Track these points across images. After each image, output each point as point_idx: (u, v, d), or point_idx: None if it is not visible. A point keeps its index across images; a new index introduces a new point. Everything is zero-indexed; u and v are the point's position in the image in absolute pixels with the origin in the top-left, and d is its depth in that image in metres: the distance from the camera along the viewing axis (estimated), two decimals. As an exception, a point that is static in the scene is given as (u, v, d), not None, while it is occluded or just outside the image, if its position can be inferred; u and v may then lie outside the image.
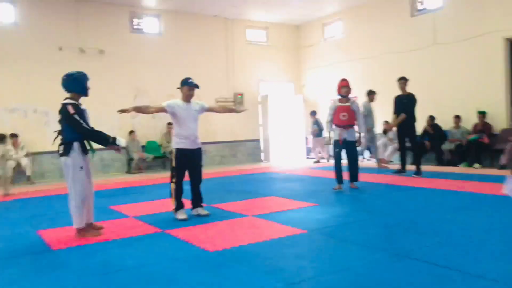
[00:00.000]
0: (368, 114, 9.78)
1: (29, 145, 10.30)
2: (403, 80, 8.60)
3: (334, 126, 6.95)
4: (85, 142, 4.49)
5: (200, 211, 5.39)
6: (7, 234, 4.88)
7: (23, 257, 3.91)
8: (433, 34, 10.65)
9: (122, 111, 4.98)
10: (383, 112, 11.03)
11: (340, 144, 6.86)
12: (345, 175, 7.00)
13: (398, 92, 8.71)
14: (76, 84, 4.44)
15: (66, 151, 4.34)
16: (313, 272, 3.21)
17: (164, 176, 10.05)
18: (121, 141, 4.44)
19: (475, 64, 9.85)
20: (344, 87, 6.93)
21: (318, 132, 12.48)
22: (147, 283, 3.12)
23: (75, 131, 4.33)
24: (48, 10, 10.76)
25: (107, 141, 4.40)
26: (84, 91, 4.50)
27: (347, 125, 6.85)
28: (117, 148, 4.48)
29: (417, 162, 8.41)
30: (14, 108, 10.35)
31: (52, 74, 10.40)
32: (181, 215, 5.20)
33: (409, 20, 11.23)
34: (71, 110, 4.28)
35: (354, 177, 6.97)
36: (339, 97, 6.99)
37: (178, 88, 5.33)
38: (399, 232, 4.25)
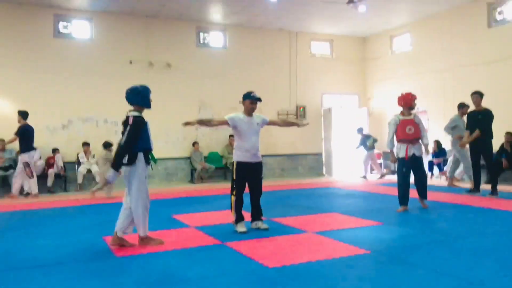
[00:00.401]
0: (460, 129, 8.80)
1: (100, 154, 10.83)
2: (476, 95, 8.03)
3: (397, 143, 6.63)
4: (148, 153, 4.58)
5: (260, 224, 5.33)
6: (75, 239, 5.09)
7: (87, 263, 4.04)
8: (512, 46, 9.96)
9: (186, 123, 5.07)
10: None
11: (406, 161, 6.51)
12: (411, 194, 6.62)
13: (471, 106, 8.19)
14: (139, 97, 4.56)
15: (131, 161, 4.44)
16: (377, 297, 3.02)
17: (225, 186, 10.13)
18: (110, 173, 4.41)
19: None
20: (413, 100, 6.59)
21: (371, 146, 12.11)
22: (204, 296, 3.08)
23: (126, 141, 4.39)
24: (120, 26, 11.36)
25: (113, 166, 4.42)
26: (147, 104, 4.61)
27: (414, 139, 6.51)
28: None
29: (493, 181, 7.82)
30: (87, 117, 10.97)
31: (122, 86, 10.70)
32: (241, 227, 5.16)
33: (486, 31, 10.59)
34: (130, 120, 4.42)
35: (424, 194, 6.59)
36: (401, 111, 6.65)
37: (241, 102, 5.35)
38: (473, 258, 3.91)
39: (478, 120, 7.88)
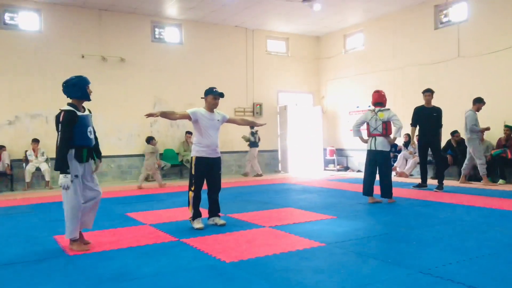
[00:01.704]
0: (476, 124, 8.76)
1: (49, 151, 10.43)
2: (428, 93, 8.37)
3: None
4: (84, 150, 4.25)
5: (217, 220, 5.33)
6: (24, 238, 4.89)
7: (40, 263, 3.89)
8: (457, 47, 10.47)
9: (149, 115, 4.99)
10: (404, 125, 10.88)
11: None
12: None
13: (420, 104, 8.52)
14: (75, 89, 4.26)
15: (56, 167, 4.11)
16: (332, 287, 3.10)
17: (181, 184, 10.05)
18: (61, 180, 4.05)
19: (501, 77, 9.64)
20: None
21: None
22: (161, 292, 3.05)
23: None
24: (72, 18, 10.96)
25: (59, 170, 4.08)
26: (85, 96, 4.30)
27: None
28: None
29: (440, 176, 8.21)
30: (36, 113, 10.53)
31: (74, 81, 10.58)
32: (197, 224, 5.14)
33: (433, 32, 11.07)
34: (61, 117, 4.12)
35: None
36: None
37: (203, 97, 5.33)
38: (421, 248, 4.10)
39: (433, 117, 8.21)
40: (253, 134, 12.18)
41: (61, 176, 4.06)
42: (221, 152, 5.53)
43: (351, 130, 7.25)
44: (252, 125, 6.25)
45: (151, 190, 9.37)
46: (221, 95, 5.28)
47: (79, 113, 4.22)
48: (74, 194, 4.17)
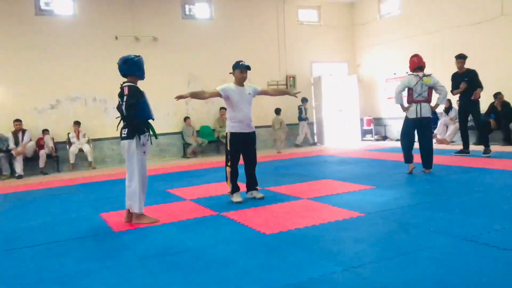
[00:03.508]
0: None
1: (90, 132, 10.77)
2: (460, 59, 8.08)
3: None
4: (147, 126, 4.46)
5: (255, 194, 5.37)
6: (72, 216, 5.12)
7: (87, 239, 4.07)
8: (500, 4, 9.90)
9: (179, 97, 5.01)
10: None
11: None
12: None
13: (455, 69, 8.23)
14: (133, 67, 4.40)
15: (129, 135, 4.31)
16: (373, 257, 3.08)
17: (218, 160, 10.18)
18: (143, 139, 4.32)
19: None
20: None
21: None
22: (206, 265, 3.13)
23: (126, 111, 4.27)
24: (104, 1, 11.07)
25: (133, 135, 4.31)
26: (141, 75, 4.46)
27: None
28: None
29: (485, 140, 7.90)
30: (76, 96, 10.83)
31: (109, 62, 10.69)
32: (236, 197, 5.21)
33: (473, -10, 10.50)
34: (125, 91, 4.27)
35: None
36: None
37: (231, 73, 5.30)
38: (465, 216, 4.00)
39: (465, 82, 7.92)
40: (300, 109, 12.64)
41: (134, 141, 4.28)
42: (256, 127, 5.52)
43: (393, 97, 6.93)
44: (285, 94, 6.06)
45: (190, 166, 9.54)
46: (248, 67, 5.21)
47: (140, 89, 4.41)
48: (143, 168, 4.40)
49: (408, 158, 6.49)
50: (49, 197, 6.69)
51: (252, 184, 5.41)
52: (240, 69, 5.20)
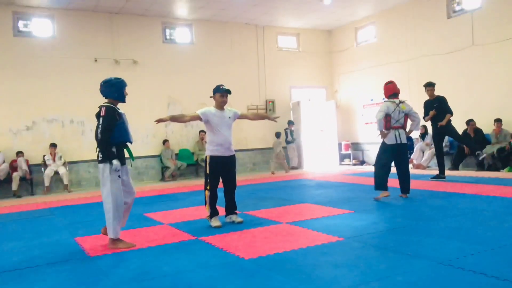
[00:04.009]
0: None
1: (66, 155, 10.60)
2: (428, 87, 8.42)
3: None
4: (124, 149, 4.44)
5: (234, 218, 5.35)
6: (46, 241, 4.98)
7: (62, 264, 3.96)
8: (471, 35, 10.31)
9: (159, 120, 5.02)
10: (420, 117, 10.79)
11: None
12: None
13: (426, 97, 8.56)
14: (113, 90, 4.41)
15: (105, 157, 4.24)
16: (352, 281, 3.09)
17: (197, 183, 10.11)
18: (115, 165, 4.22)
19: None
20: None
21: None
22: (182, 291, 3.08)
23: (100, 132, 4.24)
24: (84, 23, 11.09)
25: (107, 159, 4.25)
26: (121, 97, 4.46)
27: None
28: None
29: (474, 148, 8.19)
30: (52, 118, 10.69)
31: (88, 85, 10.76)
32: (215, 222, 5.17)
33: (446, 22, 10.92)
34: (102, 112, 4.27)
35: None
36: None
37: (211, 96, 5.34)
38: (441, 239, 4.06)
39: (434, 108, 8.26)
40: (286, 132, 12.81)
41: (108, 166, 4.22)
42: (236, 150, 5.53)
43: (370, 122, 7.04)
44: (264, 118, 5.95)
45: (168, 190, 9.44)
46: (228, 91, 5.24)
47: (119, 110, 4.40)
48: (118, 192, 4.32)
49: (383, 185, 6.40)
50: (22, 221, 6.51)
51: (231, 208, 5.39)
52: (221, 93, 5.23)
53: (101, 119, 4.26)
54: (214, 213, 5.23)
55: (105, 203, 4.33)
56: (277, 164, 12.30)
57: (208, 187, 5.20)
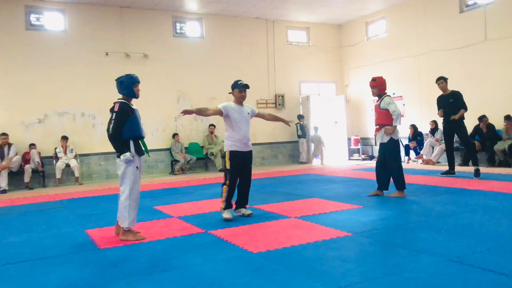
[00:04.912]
0: None
1: (78, 148, 10.70)
2: (440, 80, 8.25)
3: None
4: (140, 142, 4.53)
5: (244, 211, 5.38)
6: (57, 232, 5.05)
7: (72, 256, 4.02)
8: (484, 30, 10.18)
9: (185, 112, 5.03)
10: (430, 112, 10.71)
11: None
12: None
13: (439, 92, 8.41)
14: (122, 87, 4.54)
15: (122, 151, 4.37)
16: (360, 277, 3.10)
17: (206, 177, 10.15)
18: (126, 155, 4.34)
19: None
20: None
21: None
22: (191, 284, 3.12)
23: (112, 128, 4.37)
24: (95, 17, 11.14)
25: (119, 152, 4.38)
26: (131, 94, 4.56)
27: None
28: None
29: (473, 161, 8.01)
30: (63, 111, 10.78)
31: (98, 79, 10.85)
32: (227, 214, 5.19)
33: (458, 16, 10.79)
34: (116, 107, 4.41)
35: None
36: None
37: (230, 92, 5.37)
38: (450, 236, 4.05)
39: (450, 103, 8.08)
40: (297, 126, 12.90)
41: (121, 158, 4.34)
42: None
43: (402, 115, 6.74)
44: (279, 121, 6.05)
45: (177, 183, 9.50)
46: (246, 86, 5.29)
47: (132, 106, 4.52)
48: (136, 183, 4.46)
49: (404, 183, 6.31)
50: (34, 212, 6.60)
51: (243, 202, 5.42)
52: (239, 88, 5.26)
53: (114, 114, 4.39)
54: (228, 206, 5.25)
55: (123, 194, 4.43)
56: (313, 156, 12.80)
57: (227, 182, 5.20)
